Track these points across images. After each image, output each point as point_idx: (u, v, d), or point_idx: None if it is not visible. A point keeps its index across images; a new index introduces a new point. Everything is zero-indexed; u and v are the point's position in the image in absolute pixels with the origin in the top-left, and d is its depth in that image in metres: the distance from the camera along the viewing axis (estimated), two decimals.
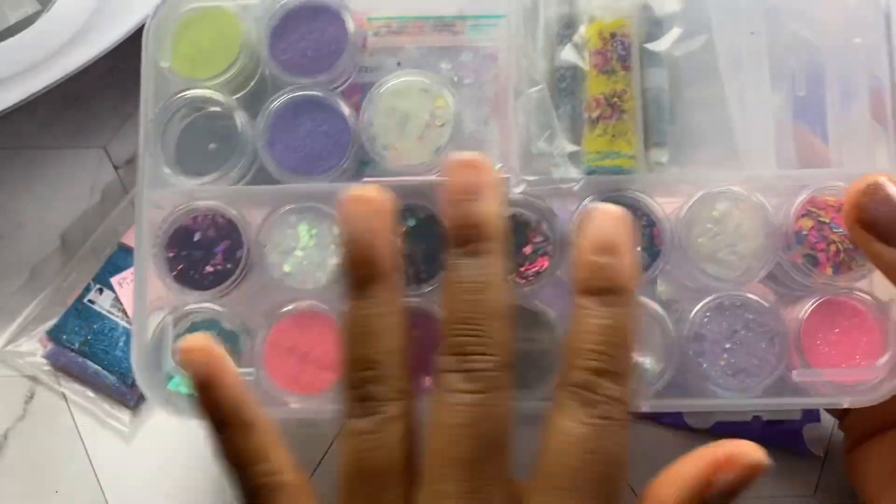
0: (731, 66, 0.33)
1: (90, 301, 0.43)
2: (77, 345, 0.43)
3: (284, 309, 0.33)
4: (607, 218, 0.28)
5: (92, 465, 0.42)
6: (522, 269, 0.33)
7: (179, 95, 0.34)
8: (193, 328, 0.34)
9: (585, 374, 0.27)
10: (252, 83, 0.35)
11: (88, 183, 0.47)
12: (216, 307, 0.34)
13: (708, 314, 0.33)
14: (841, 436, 0.38)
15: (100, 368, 0.42)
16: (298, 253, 0.33)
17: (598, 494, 0.26)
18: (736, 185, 0.33)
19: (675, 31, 0.33)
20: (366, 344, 0.28)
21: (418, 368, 0.32)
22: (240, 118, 0.34)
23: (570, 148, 0.33)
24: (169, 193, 0.34)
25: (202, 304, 0.34)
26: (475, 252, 0.27)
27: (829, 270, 0.32)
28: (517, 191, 0.33)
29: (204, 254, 0.34)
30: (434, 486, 0.26)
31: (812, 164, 0.34)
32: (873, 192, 0.30)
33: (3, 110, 0.41)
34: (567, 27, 0.33)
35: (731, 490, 0.26)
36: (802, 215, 0.33)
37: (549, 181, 0.33)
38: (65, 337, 0.43)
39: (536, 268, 0.33)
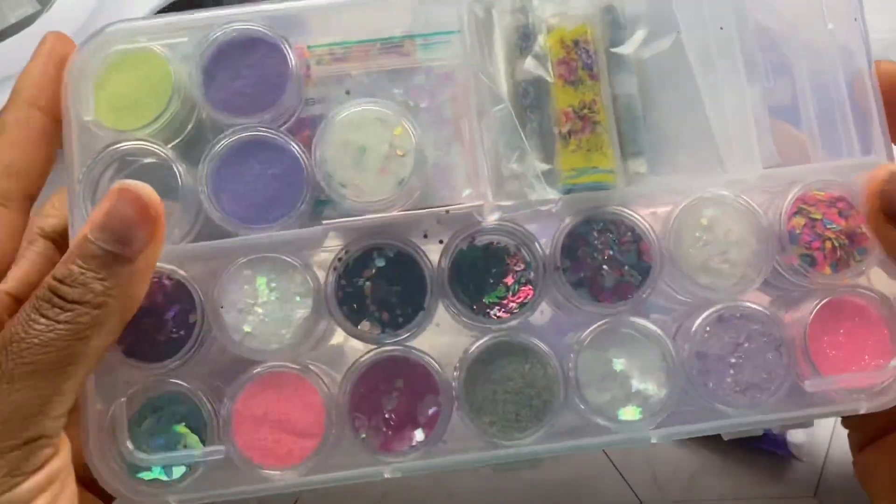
0: (703, 64, 0.31)
1: None
2: None
3: (250, 373, 0.30)
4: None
5: None
6: (505, 301, 0.30)
7: (109, 150, 0.30)
8: (150, 406, 0.30)
9: None
10: (188, 129, 0.32)
11: None
12: (173, 380, 0.30)
13: (708, 329, 0.31)
14: (841, 437, 0.38)
15: None
16: (258, 310, 0.30)
17: None
18: (722, 190, 0.31)
19: (641, 33, 0.31)
20: None
21: (405, 418, 0.30)
22: (178, 168, 0.30)
23: (543, 167, 0.30)
24: None
25: (157, 377, 0.30)
26: None
27: (828, 269, 0.31)
28: (492, 218, 0.30)
29: (153, 322, 0.30)
30: None
31: (793, 158, 0.32)
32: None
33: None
34: (525, 38, 0.31)
35: None
36: (794, 213, 0.31)
37: (525, 205, 0.30)
38: None
39: (521, 298, 0.30)
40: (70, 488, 0.28)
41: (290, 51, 0.31)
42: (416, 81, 0.33)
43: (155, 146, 0.30)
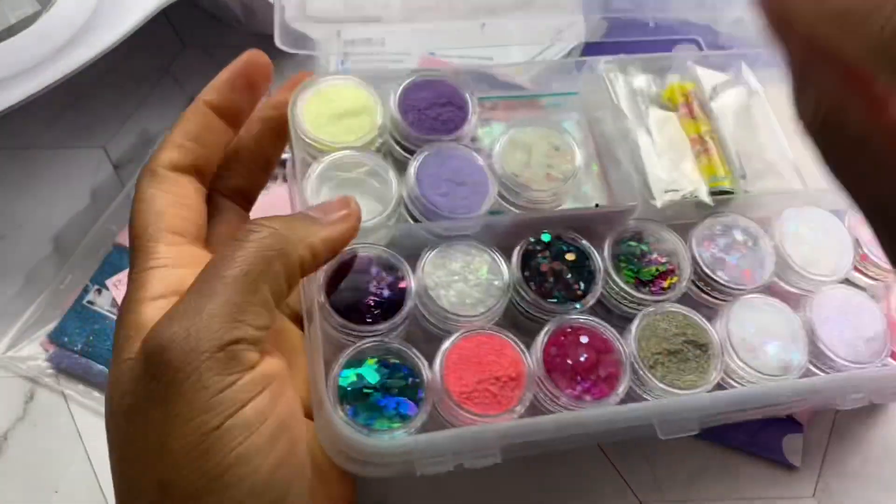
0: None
1: (90, 302, 0.43)
2: (80, 346, 0.42)
3: (455, 334, 0.34)
4: None
5: (92, 466, 0.40)
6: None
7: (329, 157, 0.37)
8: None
9: None
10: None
11: (88, 183, 0.47)
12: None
13: None
14: (840, 437, 0.42)
15: (104, 368, 0.41)
16: (459, 284, 0.35)
17: None
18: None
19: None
20: None
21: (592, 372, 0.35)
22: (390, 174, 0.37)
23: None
24: None
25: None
26: None
27: None
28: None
29: (365, 287, 0.34)
30: None
31: None
32: None
33: (3, 110, 0.40)
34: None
35: None
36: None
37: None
38: (66, 339, 0.42)
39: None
40: (289, 394, 0.29)
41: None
42: None
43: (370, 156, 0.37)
